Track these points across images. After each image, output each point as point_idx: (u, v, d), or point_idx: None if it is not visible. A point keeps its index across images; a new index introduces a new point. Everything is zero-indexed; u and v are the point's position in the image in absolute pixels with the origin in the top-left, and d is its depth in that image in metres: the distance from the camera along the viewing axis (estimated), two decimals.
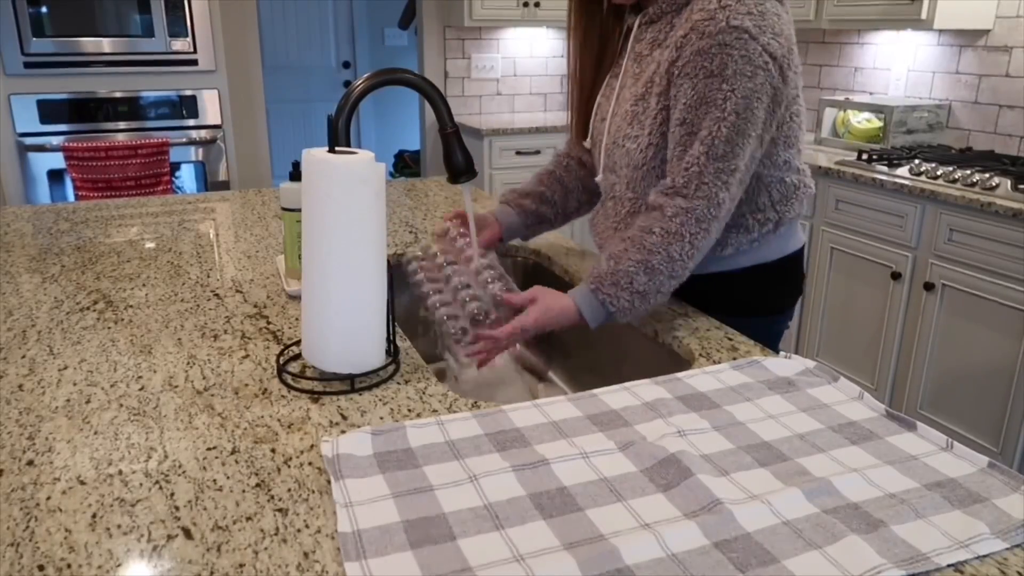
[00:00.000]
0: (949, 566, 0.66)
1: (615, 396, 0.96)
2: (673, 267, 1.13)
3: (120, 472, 0.81)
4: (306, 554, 0.68)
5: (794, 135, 1.22)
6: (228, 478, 0.80)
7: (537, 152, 3.87)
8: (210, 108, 3.78)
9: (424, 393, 0.99)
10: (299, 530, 0.71)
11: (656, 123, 1.19)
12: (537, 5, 3.92)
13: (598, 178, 1.36)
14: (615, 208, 1.32)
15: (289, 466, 0.82)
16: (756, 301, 1.31)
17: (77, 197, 3.48)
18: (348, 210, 0.95)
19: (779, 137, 1.19)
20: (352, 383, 1.00)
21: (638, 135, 1.22)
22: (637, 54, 1.26)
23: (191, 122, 3.76)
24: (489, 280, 1.27)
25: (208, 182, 3.84)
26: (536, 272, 1.66)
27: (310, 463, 0.82)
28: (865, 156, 2.76)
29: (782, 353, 1.09)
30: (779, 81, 1.12)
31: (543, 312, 1.15)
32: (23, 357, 1.09)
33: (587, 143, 1.39)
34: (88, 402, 0.96)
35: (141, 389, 0.99)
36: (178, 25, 3.62)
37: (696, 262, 1.15)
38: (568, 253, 1.63)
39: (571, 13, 1.33)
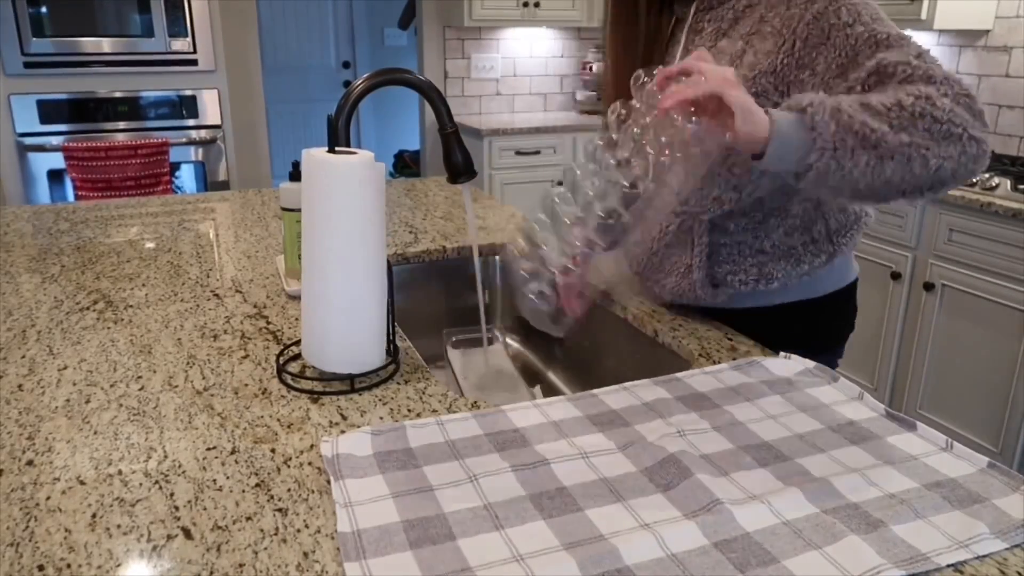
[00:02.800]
0: (949, 566, 0.66)
1: (615, 396, 0.96)
2: (901, 118, 0.86)
3: (120, 472, 0.81)
4: (306, 554, 0.68)
5: None
6: (228, 478, 0.80)
7: (537, 152, 3.87)
8: (210, 108, 3.78)
9: (424, 393, 0.99)
10: (299, 530, 0.71)
11: None
12: (537, 5, 3.92)
13: None
14: (655, 220, 1.19)
15: (289, 466, 0.82)
16: (807, 335, 1.19)
17: (77, 197, 3.48)
18: (348, 210, 0.95)
19: None
20: (352, 383, 1.00)
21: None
22: (697, 47, 1.11)
23: (191, 122, 3.76)
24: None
25: (208, 182, 3.84)
26: None
27: (310, 463, 0.82)
28: None
29: (782, 354, 1.09)
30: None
31: (745, 97, 0.86)
32: (23, 357, 1.09)
33: None
34: (88, 402, 0.96)
35: (141, 389, 0.99)
36: (178, 25, 3.62)
37: (929, 156, 0.87)
38: None
39: (608, 12, 1.20)
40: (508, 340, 1.62)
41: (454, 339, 1.58)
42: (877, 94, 0.89)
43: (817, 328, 1.20)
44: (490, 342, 1.66)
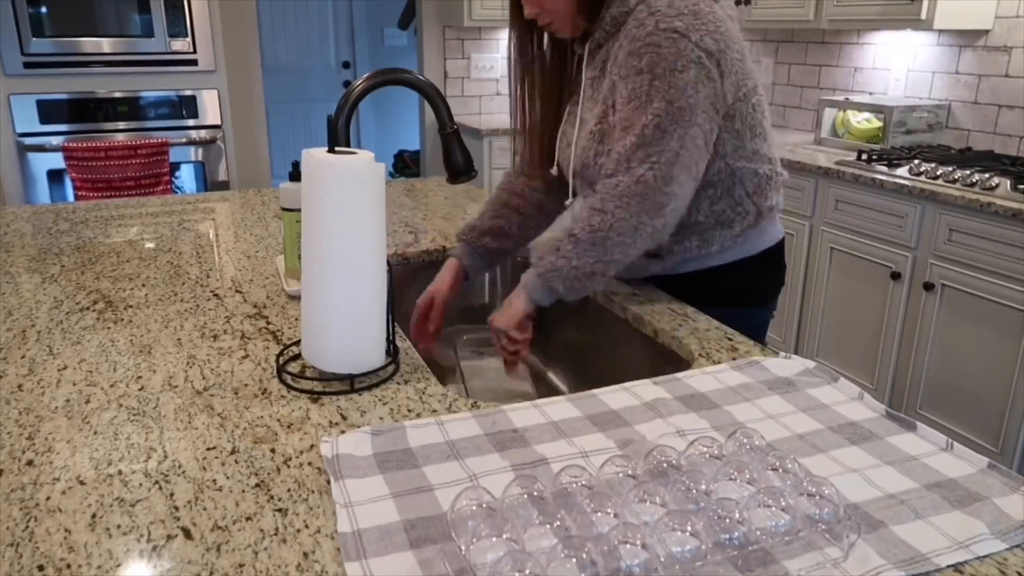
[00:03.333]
0: (949, 567, 0.66)
1: (615, 396, 0.96)
2: (594, 238, 1.17)
3: (120, 472, 0.81)
4: (306, 554, 0.68)
5: (759, 124, 1.24)
6: (228, 478, 0.80)
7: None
8: (210, 108, 3.78)
9: (424, 393, 0.99)
10: (299, 530, 0.71)
11: None
12: None
13: (568, 202, 1.36)
14: None
15: (289, 466, 0.82)
16: (744, 292, 1.34)
17: (77, 197, 3.48)
18: (348, 210, 0.95)
19: (744, 129, 1.22)
20: (352, 383, 1.00)
21: (610, 149, 1.23)
22: (591, 79, 1.28)
23: (191, 122, 3.77)
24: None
25: (208, 182, 3.84)
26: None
27: (310, 463, 0.82)
28: (865, 156, 2.76)
29: (782, 353, 1.09)
30: (716, 74, 1.15)
31: (504, 309, 1.24)
32: (23, 357, 1.09)
33: (554, 170, 1.39)
34: (88, 402, 0.96)
35: (141, 389, 0.99)
36: (178, 25, 3.62)
37: (630, 239, 1.17)
38: None
39: (512, 63, 1.37)
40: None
41: (464, 337, 1.58)
42: (580, 220, 1.19)
43: (751, 285, 1.36)
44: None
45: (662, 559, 0.65)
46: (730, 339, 1.16)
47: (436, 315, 1.41)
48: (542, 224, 1.49)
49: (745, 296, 1.34)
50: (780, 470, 0.76)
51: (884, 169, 2.66)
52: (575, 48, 1.33)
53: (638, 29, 1.16)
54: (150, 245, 1.65)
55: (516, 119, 1.41)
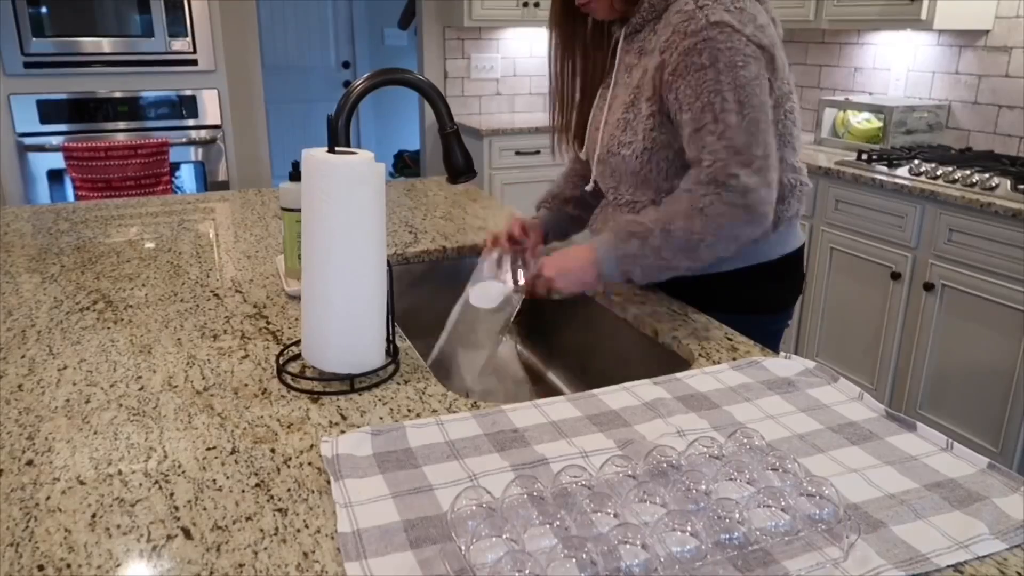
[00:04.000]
0: (949, 567, 0.66)
1: (615, 396, 0.96)
2: (689, 241, 1.14)
3: (120, 472, 0.81)
4: (306, 554, 0.68)
5: (789, 133, 1.23)
6: (228, 478, 0.80)
7: (537, 152, 3.87)
8: (210, 108, 3.78)
9: (424, 393, 0.99)
10: (299, 530, 0.71)
11: (647, 128, 1.21)
12: (537, 5, 3.92)
13: (588, 187, 1.36)
14: (615, 215, 1.33)
15: (289, 466, 0.82)
16: (756, 299, 1.31)
17: (77, 197, 3.48)
18: (348, 210, 0.95)
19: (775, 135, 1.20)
20: (352, 383, 1.00)
21: (632, 141, 1.23)
22: (627, 65, 1.27)
23: (191, 122, 3.76)
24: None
25: (208, 182, 3.84)
26: None
27: (310, 463, 0.82)
28: (865, 156, 2.76)
29: (782, 353, 1.09)
30: (770, 70, 1.14)
31: (567, 271, 1.20)
32: (23, 357, 1.09)
33: (582, 154, 1.39)
34: (88, 402, 0.96)
35: (141, 389, 0.99)
36: (178, 25, 3.62)
37: (725, 247, 1.15)
38: None
39: (553, 36, 1.35)
40: (506, 340, 1.61)
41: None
42: (678, 217, 1.15)
43: (765, 292, 1.32)
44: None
45: (662, 559, 0.65)
46: (730, 339, 1.16)
47: (533, 242, 1.41)
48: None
49: (758, 303, 1.31)
50: (780, 470, 0.76)
51: (884, 169, 2.66)
52: (613, 30, 1.32)
53: (688, 23, 1.12)
54: (150, 245, 1.65)
55: (556, 100, 1.40)
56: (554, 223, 1.48)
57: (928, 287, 2.47)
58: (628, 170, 1.25)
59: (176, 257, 1.57)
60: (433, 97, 1.28)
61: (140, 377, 1.03)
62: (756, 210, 1.13)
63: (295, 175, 1.29)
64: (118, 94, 3.64)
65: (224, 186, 3.85)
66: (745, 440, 0.82)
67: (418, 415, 0.93)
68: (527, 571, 0.62)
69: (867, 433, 0.88)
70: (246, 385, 1.01)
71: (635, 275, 1.18)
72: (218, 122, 3.81)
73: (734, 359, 1.09)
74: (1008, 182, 2.29)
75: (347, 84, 5.83)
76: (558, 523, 0.69)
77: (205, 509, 0.74)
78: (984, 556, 0.67)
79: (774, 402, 0.95)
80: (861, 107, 3.15)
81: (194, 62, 3.70)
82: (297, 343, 1.12)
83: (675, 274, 1.20)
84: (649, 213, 1.19)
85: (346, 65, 6.01)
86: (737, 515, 0.69)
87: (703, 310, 1.27)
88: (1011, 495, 0.75)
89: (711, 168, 1.13)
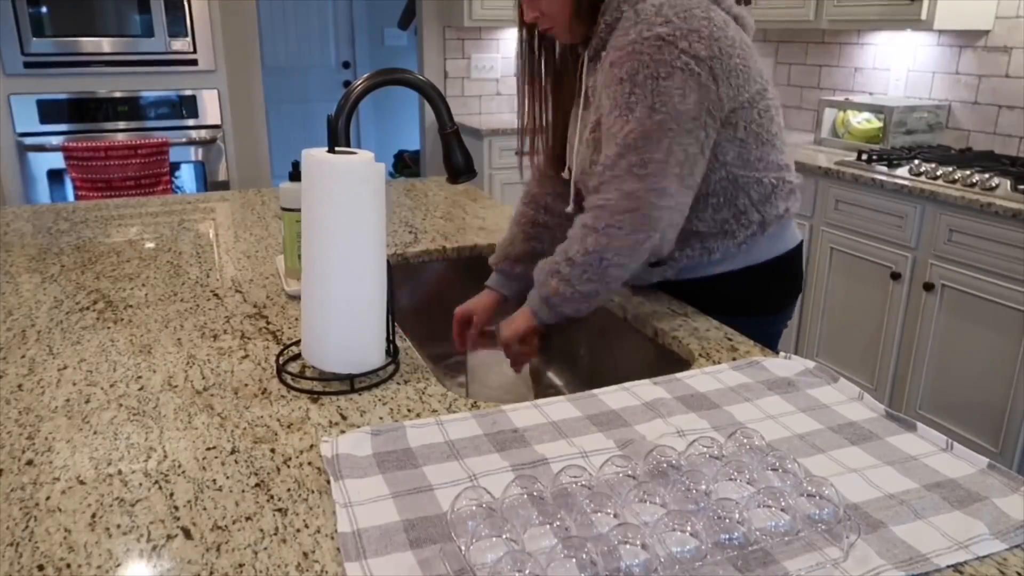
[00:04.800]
0: (949, 567, 0.66)
1: (615, 396, 0.96)
2: (588, 259, 1.14)
3: (120, 472, 0.81)
4: (306, 554, 0.68)
5: (767, 131, 1.21)
6: (228, 478, 0.80)
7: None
8: (210, 108, 3.78)
9: (424, 393, 0.99)
10: (299, 530, 0.71)
11: None
12: None
13: (569, 209, 1.35)
14: None
15: (289, 466, 0.82)
16: (752, 301, 1.30)
17: (77, 197, 3.48)
18: (348, 210, 0.95)
19: (748, 137, 1.19)
20: (352, 383, 1.00)
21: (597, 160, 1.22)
22: (590, 87, 1.27)
23: (191, 122, 3.77)
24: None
25: (208, 182, 3.84)
26: None
27: (310, 463, 0.82)
28: (865, 156, 2.76)
29: (782, 354, 1.09)
30: (709, 80, 1.12)
31: (511, 321, 1.26)
32: (23, 357, 1.09)
33: (565, 174, 1.39)
34: (88, 402, 0.96)
35: (141, 389, 0.99)
36: (178, 25, 3.62)
37: (628, 258, 1.14)
38: None
39: (521, 66, 1.36)
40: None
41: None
42: (575, 242, 1.18)
43: (759, 293, 1.31)
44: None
45: (662, 559, 0.65)
46: (730, 339, 1.16)
47: (473, 335, 1.44)
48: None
49: (752, 304, 1.30)
50: (780, 470, 0.76)
51: (884, 169, 2.66)
52: (580, 52, 1.32)
53: (622, 38, 1.13)
54: (150, 245, 1.65)
55: (523, 121, 1.40)
56: (510, 285, 1.45)
57: (928, 287, 2.47)
58: None
59: (176, 257, 1.57)
60: (433, 97, 1.28)
61: (140, 377, 1.03)
62: (642, 214, 1.12)
63: (295, 175, 1.29)
64: (118, 94, 3.64)
65: (224, 186, 3.85)
66: (745, 440, 0.82)
67: (418, 415, 0.93)
68: (527, 571, 0.62)
69: (867, 433, 0.88)
70: (246, 385, 1.01)
71: (566, 311, 1.19)
72: (218, 122, 3.81)
73: (734, 359, 1.09)
74: (1008, 182, 2.29)
75: (347, 84, 5.83)
76: (558, 523, 0.69)
77: (205, 509, 0.74)
78: (984, 556, 0.67)
79: (774, 402, 0.95)
80: (861, 107, 3.15)
81: (194, 62, 3.70)
82: (297, 343, 1.12)
83: (600, 301, 1.21)
84: (561, 245, 1.20)
85: (346, 65, 6.01)
86: (737, 515, 0.69)
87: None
88: (1011, 495, 0.75)
89: (600, 175, 1.14)
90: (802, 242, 1.36)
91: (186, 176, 3.80)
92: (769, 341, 1.25)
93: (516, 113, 1.43)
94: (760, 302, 1.31)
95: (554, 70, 1.35)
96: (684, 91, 1.10)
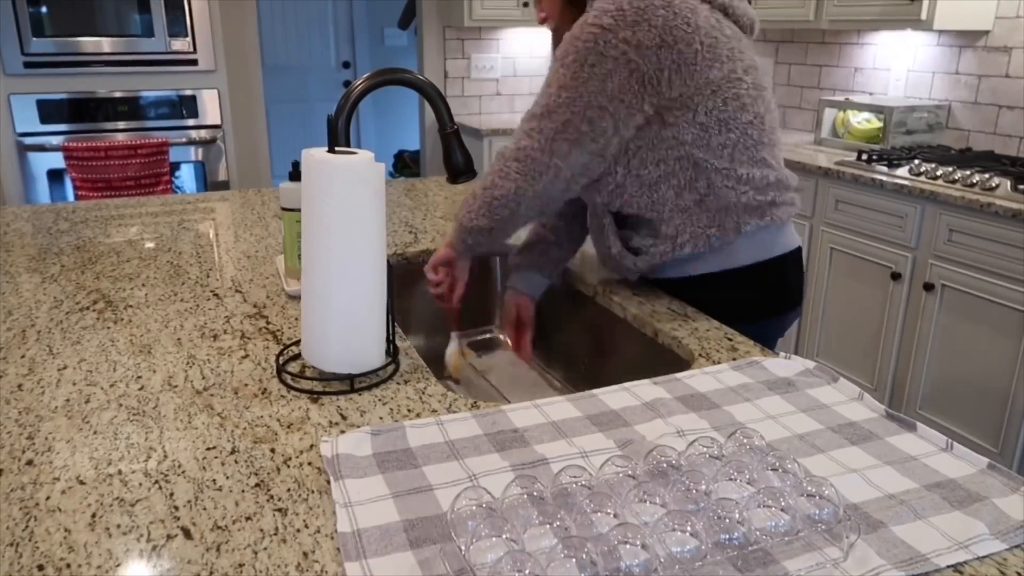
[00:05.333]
0: (949, 567, 0.66)
1: (614, 396, 0.96)
2: (484, 195, 1.26)
3: (120, 472, 0.81)
4: (306, 554, 0.68)
5: (734, 119, 1.20)
6: (228, 478, 0.80)
7: None
8: (210, 108, 3.78)
9: (424, 393, 0.99)
10: (299, 530, 0.71)
11: None
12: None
13: None
14: (594, 221, 1.38)
15: (289, 466, 0.82)
16: (730, 306, 1.27)
17: (77, 197, 3.48)
18: (348, 210, 0.95)
19: (709, 122, 1.19)
20: (352, 383, 1.00)
21: None
22: None
23: (191, 122, 3.77)
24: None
25: (208, 182, 3.84)
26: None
27: (310, 463, 0.82)
28: (865, 156, 2.76)
29: (782, 354, 1.09)
30: (650, 69, 1.16)
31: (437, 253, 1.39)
32: (23, 357, 1.09)
33: None
34: (87, 402, 0.96)
35: (141, 389, 0.99)
36: (178, 25, 3.62)
37: (514, 203, 1.24)
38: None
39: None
40: (507, 340, 1.61)
41: (467, 342, 1.59)
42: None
43: (738, 299, 1.29)
44: (496, 344, 1.66)
45: (662, 559, 0.65)
46: (730, 339, 1.16)
47: (528, 339, 1.49)
48: (584, 221, 1.46)
49: (730, 310, 1.26)
50: (780, 470, 0.76)
51: (884, 169, 2.66)
52: None
53: (573, 30, 1.19)
54: (150, 245, 1.65)
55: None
56: (531, 283, 1.46)
57: (928, 287, 2.47)
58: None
59: (176, 257, 1.57)
60: (433, 97, 1.28)
61: (140, 377, 1.03)
62: (526, 166, 1.21)
63: (295, 175, 1.29)
64: (118, 94, 3.64)
65: (224, 186, 3.85)
66: (745, 440, 0.82)
67: (418, 415, 0.93)
68: (527, 571, 0.62)
69: (867, 433, 0.88)
70: (246, 385, 1.01)
71: (469, 242, 1.32)
72: (218, 122, 3.81)
73: (734, 359, 1.09)
74: (1008, 182, 2.29)
75: (347, 84, 5.83)
76: (558, 523, 0.69)
77: (205, 509, 0.74)
78: (984, 556, 0.67)
79: (774, 402, 0.95)
80: (861, 107, 3.15)
81: (194, 62, 3.71)
82: (297, 343, 1.12)
83: (505, 240, 1.33)
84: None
85: (346, 65, 6.01)
86: (737, 515, 0.69)
87: None
88: (1011, 495, 0.75)
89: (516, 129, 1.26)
90: (798, 250, 1.33)
91: (186, 176, 3.80)
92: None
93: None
94: (740, 309, 1.28)
95: None
96: (608, 77, 1.16)
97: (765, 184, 1.24)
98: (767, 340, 1.22)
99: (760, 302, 1.32)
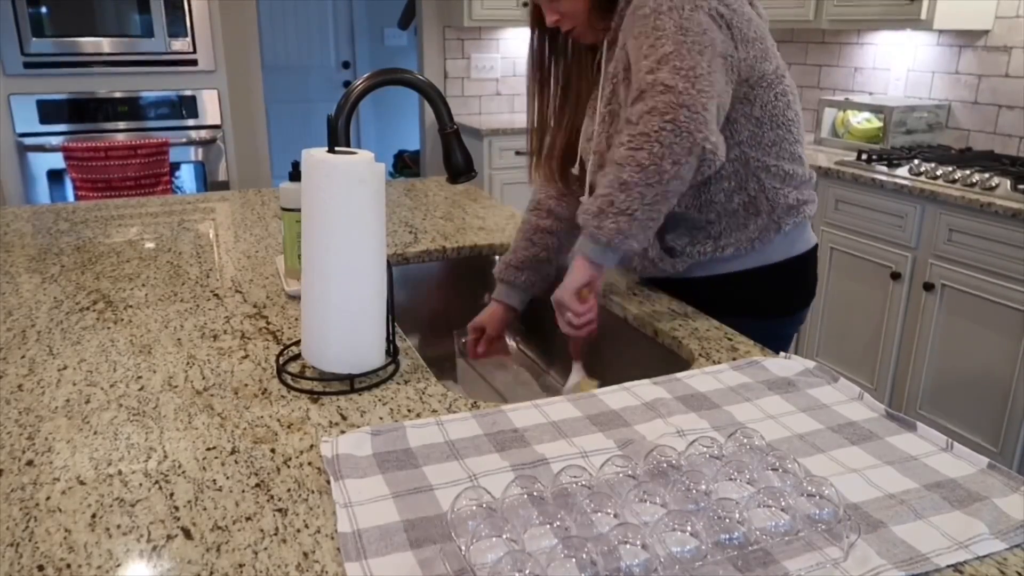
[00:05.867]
0: (949, 567, 0.66)
1: (615, 396, 0.96)
2: (647, 174, 1.04)
3: (120, 472, 0.81)
4: (306, 554, 0.68)
5: (782, 116, 1.20)
6: (228, 478, 0.80)
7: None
8: (210, 108, 3.78)
9: (424, 393, 0.99)
10: (299, 530, 0.71)
11: None
12: None
13: (583, 198, 1.31)
14: None
15: (289, 466, 0.82)
16: (764, 302, 1.29)
17: (77, 197, 3.48)
18: (348, 210, 0.95)
19: (764, 117, 1.18)
20: (352, 383, 1.00)
21: (621, 129, 1.15)
22: (609, 74, 1.25)
23: (191, 122, 3.76)
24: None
25: (208, 182, 3.84)
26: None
27: (310, 463, 0.82)
28: (865, 156, 2.76)
29: (782, 354, 1.09)
30: (728, 36, 1.10)
31: (560, 288, 1.17)
32: (23, 357, 1.09)
33: (575, 169, 1.37)
34: (88, 402, 0.96)
35: (141, 389, 0.99)
36: (178, 25, 3.62)
37: (683, 163, 1.05)
38: None
39: (531, 67, 1.35)
40: (508, 340, 1.61)
41: (464, 340, 1.58)
42: (625, 163, 1.07)
43: (771, 295, 1.30)
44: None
45: (662, 559, 0.65)
46: (730, 339, 1.16)
47: (483, 346, 1.46)
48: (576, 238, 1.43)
49: (763, 306, 1.29)
50: (780, 470, 0.76)
51: (884, 169, 2.66)
52: (598, 47, 1.31)
53: (643, 4, 1.11)
54: (150, 245, 1.65)
55: (532, 124, 1.39)
56: (514, 295, 1.45)
57: (928, 287, 2.47)
58: None
59: (176, 257, 1.57)
60: (433, 97, 1.28)
61: (140, 377, 1.03)
62: (687, 106, 1.02)
63: (295, 175, 1.29)
64: (118, 94, 3.64)
65: (224, 186, 3.85)
66: (745, 440, 0.82)
67: (418, 415, 0.93)
68: (527, 571, 0.62)
69: (867, 433, 0.88)
70: (246, 385, 1.01)
71: (631, 245, 1.10)
72: (218, 122, 3.81)
73: (734, 359, 1.09)
74: (1008, 182, 2.29)
75: (347, 84, 5.83)
76: (558, 523, 0.69)
77: (205, 509, 0.74)
78: (984, 556, 0.67)
79: (774, 402, 0.95)
80: (861, 107, 3.15)
81: (194, 62, 3.70)
82: (297, 343, 1.12)
83: (661, 219, 1.11)
84: (602, 182, 1.11)
85: (346, 65, 6.01)
86: (737, 515, 0.69)
87: (709, 314, 1.26)
88: (1011, 495, 0.75)
89: (641, 84, 1.06)
90: (816, 246, 1.35)
91: (186, 176, 3.80)
92: (780, 344, 1.21)
93: (526, 115, 1.42)
94: (772, 304, 1.31)
95: (564, 72, 1.34)
96: (710, 27, 1.07)
97: (801, 182, 1.26)
98: (791, 332, 1.31)
99: (791, 296, 1.33)
